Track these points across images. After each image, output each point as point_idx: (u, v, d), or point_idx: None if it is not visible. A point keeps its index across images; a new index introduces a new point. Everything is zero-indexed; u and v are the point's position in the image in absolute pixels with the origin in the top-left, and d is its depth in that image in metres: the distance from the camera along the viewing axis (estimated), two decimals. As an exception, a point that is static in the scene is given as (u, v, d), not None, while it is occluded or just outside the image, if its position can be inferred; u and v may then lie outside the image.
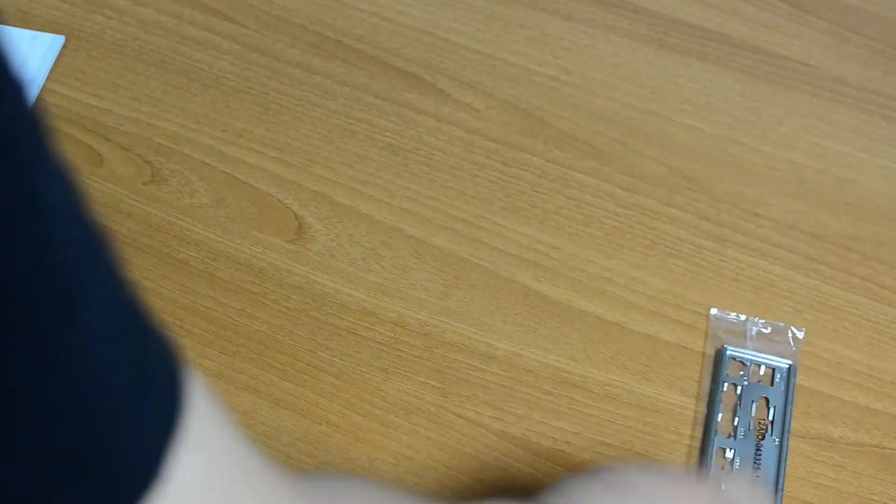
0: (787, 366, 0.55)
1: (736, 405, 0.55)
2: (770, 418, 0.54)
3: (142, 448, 0.22)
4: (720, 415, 0.54)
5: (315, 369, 0.56)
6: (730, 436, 0.54)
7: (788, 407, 0.54)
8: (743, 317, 0.57)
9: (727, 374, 0.55)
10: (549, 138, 0.63)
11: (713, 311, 0.57)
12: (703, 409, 0.55)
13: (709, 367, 0.56)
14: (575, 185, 0.61)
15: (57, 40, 0.66)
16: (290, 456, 0.54)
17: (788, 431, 0.54)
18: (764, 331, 0.56)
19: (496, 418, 0.55)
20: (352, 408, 0.55)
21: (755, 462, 0.53)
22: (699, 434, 0.55)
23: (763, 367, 0.55)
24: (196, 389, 0.24)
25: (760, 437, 0.54)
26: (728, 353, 0.55)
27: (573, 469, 0.54)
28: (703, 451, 0.53)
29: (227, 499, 0.25)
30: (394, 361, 0.56)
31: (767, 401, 0.55)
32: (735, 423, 0.54)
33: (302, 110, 0.64)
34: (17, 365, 0.19)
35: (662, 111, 0.64)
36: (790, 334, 0.56)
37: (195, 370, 0.25)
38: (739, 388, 0.55)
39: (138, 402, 0.22)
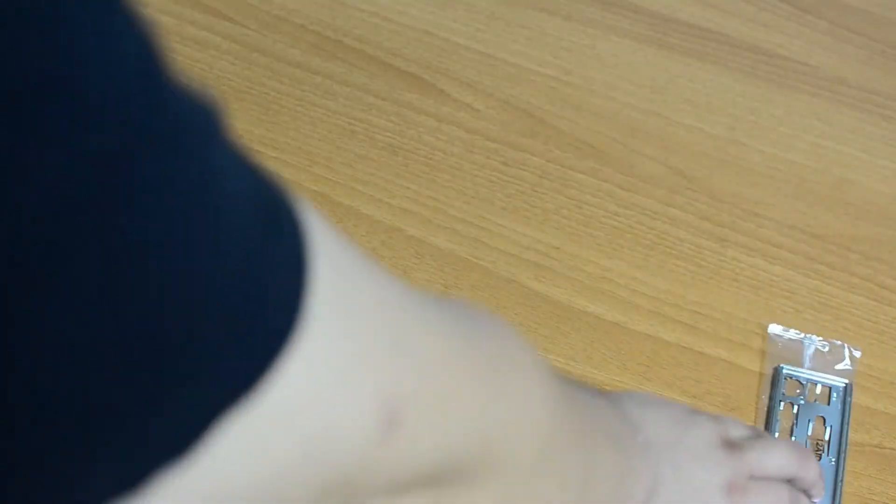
0: (844, 385, 0.55)
1: (793, 425, 0.54)
2: (826, 438, 0.54)
3: (280, 291, 0.23)
4: (777, 434, 0.54)
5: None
6: None
7: (845, 427, 0.54)
8: (801, 335, 0.56)
9: (784, 393, 0.55)
10: (549, 138, 0.63)
11: (771, 328, 0.56)
12: (702, 408, 0.55)
13: (765, 385, 0.55)
14: (575, 185, 0.61)
15: (57, 40, 0.66)
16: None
17: (845, 451, 0.53)
18: (821, 349, 0.56)
19: (496, 418, 0.55)
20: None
21: None
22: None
23: (819, 386, 0.55)
24: (321, 228, 0.25)
25: (817, 456, 0.53)
26: (784, 371, 0.55)
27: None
28: None
29: (369, 324, 0.26)
30: (394, 361, 0.56)
31: (824, 420, 0.54)
32: None
33: (302, 110, 0.64)
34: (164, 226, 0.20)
35: (662, 111, 0.64)
36: (847, 353, 0.56)
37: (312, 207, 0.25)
38: (796, 408, 0.55)
39: (270, 250, 0.23)
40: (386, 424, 0.26)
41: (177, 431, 0.21)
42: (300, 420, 0.24)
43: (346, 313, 0.25)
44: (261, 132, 0.63)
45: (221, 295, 0.21)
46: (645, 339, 0.57)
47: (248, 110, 0.64)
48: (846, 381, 0.55)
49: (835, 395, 0.55)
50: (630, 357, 0.56)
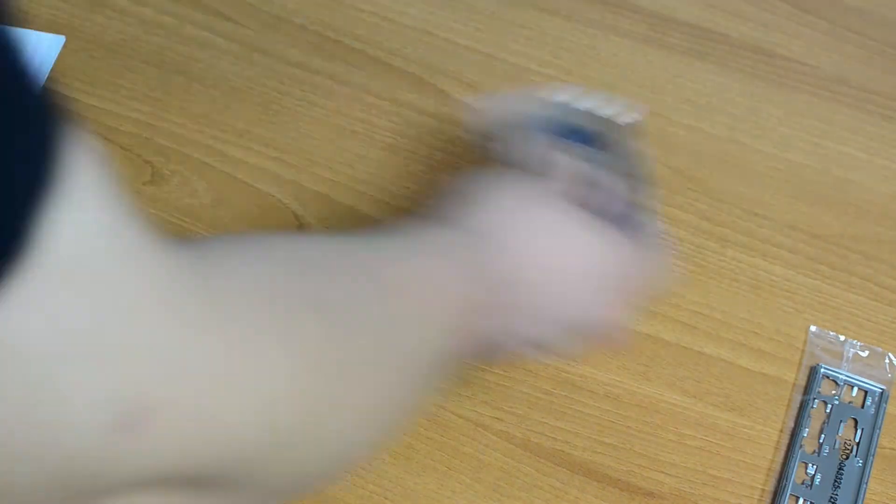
0: (881, 390, 0.55)
1: (823, 423, 0.55)
2: (857, 440, 0.54)
3: (10, 210, 0.21)
4: (807, 431, 0.54)
5: (315, 369, 0.56)
6: (814, 452, 0.54)
7: (877, 431, 0.54)
8: (841, 337, 0.57)
9: (819, 392, 0.55)
10: (549, 138, 0.63)
11: (812, 328, 0.57)
12: (701, 408, 0.55)
13: (801, 382, 0.56)
14: (575, 185, 0.61)
15: (57, 40, 0.66)
16: (290, 456, 0.54)
17: (873, 455, 0.54)
18: (861, 354, 0.56)
19: (496, 418, 0.55)
20: (352, 408, 0.55)
21: (836, 481, 0.53)
22: (699, 434, 0.55)
23: (856, 389, 0.55)
24: (80, 155, 0.22)
25: (844, 457, 0.54)
26: (822, 370, 0.55)
27: (573, 469, 0.54)
28: (785, 466, 0.53)
29: (101, 270, 0.23)
30: (394, 361, 0.56)
31: (856, 422, 0.55)
32: (821, 441, 0.54)
33: (302, 110, 0.64)
34: None
35: (662, 111, 0.64)
36: (887, 360, 0.56)
37: (83, 134, 0.23)
38: (829, 407, 0.55)
39: (8, 162, 0.21)
40: (127, 422, 0.24)
41: None
42: (19, 363, 0.21)
43: (77, 269, 0.22)
44: (261, 132, 0.63)
45: None
46: (645, 339, 0.57)
47: (248, 110, 0.64)
48: (883, 386, 0.55)
49: (870, 399, 0.55)
50: (630, 357, 0.56)
